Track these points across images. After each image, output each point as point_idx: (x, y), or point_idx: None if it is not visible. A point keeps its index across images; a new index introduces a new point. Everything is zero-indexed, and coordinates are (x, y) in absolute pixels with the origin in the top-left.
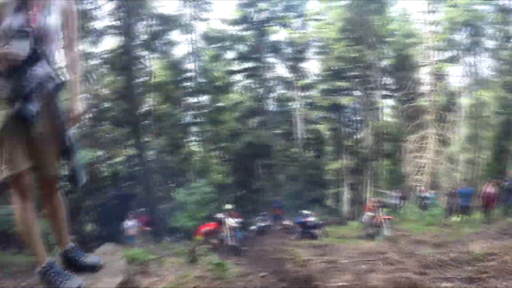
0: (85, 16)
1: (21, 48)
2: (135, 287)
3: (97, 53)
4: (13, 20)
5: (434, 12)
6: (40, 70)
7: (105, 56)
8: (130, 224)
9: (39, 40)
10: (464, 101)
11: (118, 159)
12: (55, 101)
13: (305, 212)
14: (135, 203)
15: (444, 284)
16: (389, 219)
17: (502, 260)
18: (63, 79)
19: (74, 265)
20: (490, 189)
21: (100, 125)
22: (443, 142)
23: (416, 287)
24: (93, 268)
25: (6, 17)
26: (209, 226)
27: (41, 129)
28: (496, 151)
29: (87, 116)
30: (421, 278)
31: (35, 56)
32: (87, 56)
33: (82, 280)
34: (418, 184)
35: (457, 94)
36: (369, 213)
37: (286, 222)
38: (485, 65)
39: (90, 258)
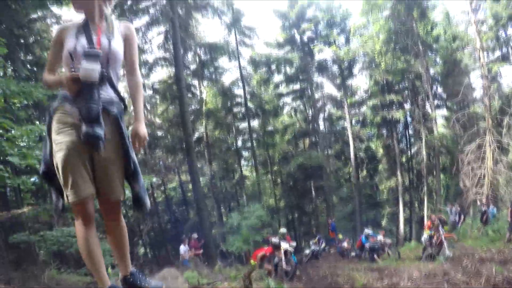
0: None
1: (93, 70)
2: None
3: (149, 84)
4: (77, 43)
5: (477, 10)
6: (105, 94)
7: (157, 86)
8: (184, 249)
9: (104, 64)
10: None
11: (171, 185)
12: (120, 125)
13: (368, 231)
14: (188, 228)
15: None
16: (451, 237)
17: None
18: (126, 103)
19: None
20: None
21: (154, 152)
22: (502, 149)
23: None
24: None
25: (67, 40)
26: (264, 251)
27: (107, 153)
28: None
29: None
30: None
31: (102, 80)
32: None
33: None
34: (478, 197)
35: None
36: (429, 232)
37: (344, 245)
38: None
39: (153, 283)
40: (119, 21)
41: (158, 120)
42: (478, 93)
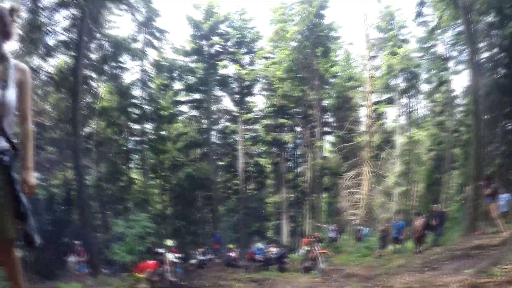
0: (39, 29)
1: None
2: None
3: (45, 70)
4: None
5: (374, 58)
6: None
7: (53, 74)
8: (73, 260)
9: None
10: (399, 139)
11: (55, 182)
12: (10, 173)
13: (259, 245)
14: (71, 231)
15: None
16: (324, 253)
17: None
18: (18, 148)
19: None
20: (419, 221)
21: (40, 146)
22: (378, 177)
23: None
24: None
25: None
26: (149, 266)
27: None
28: (428, 184)
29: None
30: None
31: None
32: (35, 71)
33: None
34: (354, 218)
35: (393, 132)
36: (306, 247)
37: (232, 254)
38: (420, 106)
39: None
40: (15, 63)
41: (48, 108)
42: (363, 128)
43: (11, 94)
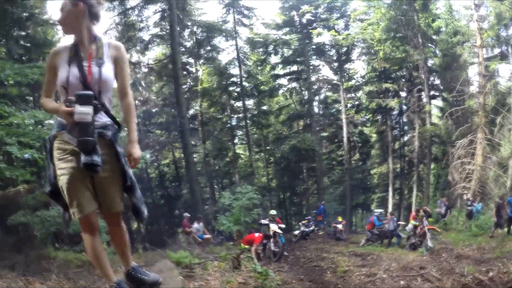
0: (133, 27)
1: (86, 113)
2: None
3: (145, 63)
4: (70, 74)
5: (480, 6)
6: (99, 120)
7: (152, 64)
8: (196, 227)
9: (96, 92)
10: None
11: (165, 161)
12: (115, 147)
13: (378, 212)
14: (181, 204)
15: None
16: (433, 229)
17: None
18: (119, 123)
19: (138, 282)
20: None
21: (149, 130)
22: (493, 146)
23: None
24: (153, 285)
25: (60, 67)
26: (255, 238)
27: (104, 173)
28: None
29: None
30: None
31: (96, 110)
32: (136, 65)
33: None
34: (466, 192)
35: (507, 94)
36: (413, 222)
37: (339, 227)
38: None
39: (152, 276)
40: (108, 42)
41: (153, 97)
42: (474, 89)
43: (108, 71)
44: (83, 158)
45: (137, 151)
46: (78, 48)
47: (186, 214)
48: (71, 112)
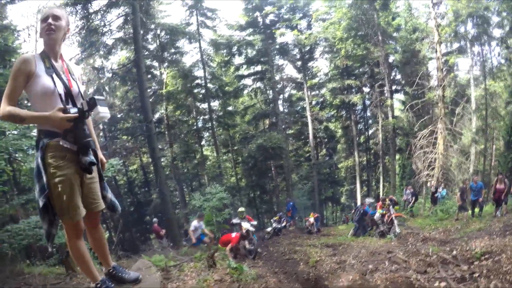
0: (96, 31)
1: (107, 113)
2: None
3: (108, 67)
4: (56, 84)
5: (439, 4)
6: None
7: (116, 69)
8: (195, 225)
9: (79, 105)
10: (474, 92)
11: (133, 167)
12: (95, 150)
13: (370, 201)
14: (151, 210)
15: (437, 284)
16: (399, 216)
17: (497, 259)
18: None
19: (119, 281)
20: (499, 184)
21: (115, 136)
22: (454, 135)
23: (413, 286)
24: (134, 282)
25: (39, 76)
26: (231, 239)
27: (94, 173)
28: (508, 141)
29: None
30: (419, 278)
31: (84, 117)
32: (99, 70)
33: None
34: (429, 179)
35: (467, 85)
36: (381, 211)
37: (311, 221)
38: (494, 54)
39: (131, 274)
40: (70, 63)
41: (117, 102)
42: (434, 82)
43: (80, 88)
44: (84, 159)
45: (103, 157)
46: (51, 60)
47: (155, 219)
48: (72, 117)
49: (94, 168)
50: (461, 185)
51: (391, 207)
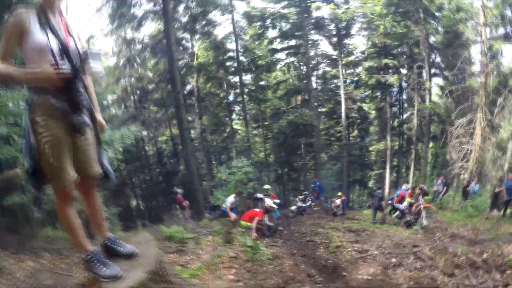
0: (125, 3)
1: (100, 68)
2: (164, 274)
3: (139, 39)
4: (49, 40)
5: None
6: (81, 86)
7: (147, 41)
8: (231, 200)
9: (74, 62)
10: None
11: (163, 138)
12: (93, 112)
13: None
14: (178, 181)
15: None
16: (428, 207)
17: None
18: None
19: (113, 253)
20: None
21: (145, 107)
22: (493, 128)
23: None
24: (129, 257)
25: (32, 32)
26: (256, 213)
27: (88, 135)
28: None
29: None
30: (446, 281)
31: (78, 75)
32: (130, 42)
33: (119, 270)
34: (463, 172)
35: (510, 76)
36: (409, 200)
37: (337, 202)
38: None
39: (127, 248)
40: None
41: (149, 74)
42: (476, 68)
43: (79, 44)
44: (76, 118)
45: (102, 120)
46: (48, 16)
47: (179, 190)
48: (66, 75)
49: (90, 131)
50: (497, 182)
51: (420, 196)
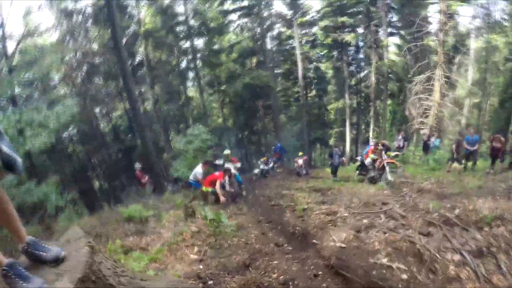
0: None
1: None
2: (100, 277)
3: (79, 8)
4: None
5: None
6: None
7: (88, 10)
8: (201, 171)
9: None
10: (474, 43)
11: (117, 113)
12: None
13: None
14: (136, 156)
15: (450, 256)
16: (392, 163)
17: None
18: None
19: (35, 260)
20: (496, 143)
21: (93, 82)
22: (451, 84)
23: (420, 256)
24: (55, 262)
25: None
26: (216, 177)
27: None
28: (504, 98)
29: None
30: (424, 243)
31: None
32: (71, 14)
33: (42, 282)
34: (423, 127)
35: (467, 35)
36: (373, 156)
37: (299, 162)
38: (498, 8)
39: (51, 251)
40: None
41: (94, 46)
42: (434, 28)
43: None
44: None
45: None
46: None
47: (137, 165)
48: None
49: None
50: (458, 137)
51: (383, 152)
